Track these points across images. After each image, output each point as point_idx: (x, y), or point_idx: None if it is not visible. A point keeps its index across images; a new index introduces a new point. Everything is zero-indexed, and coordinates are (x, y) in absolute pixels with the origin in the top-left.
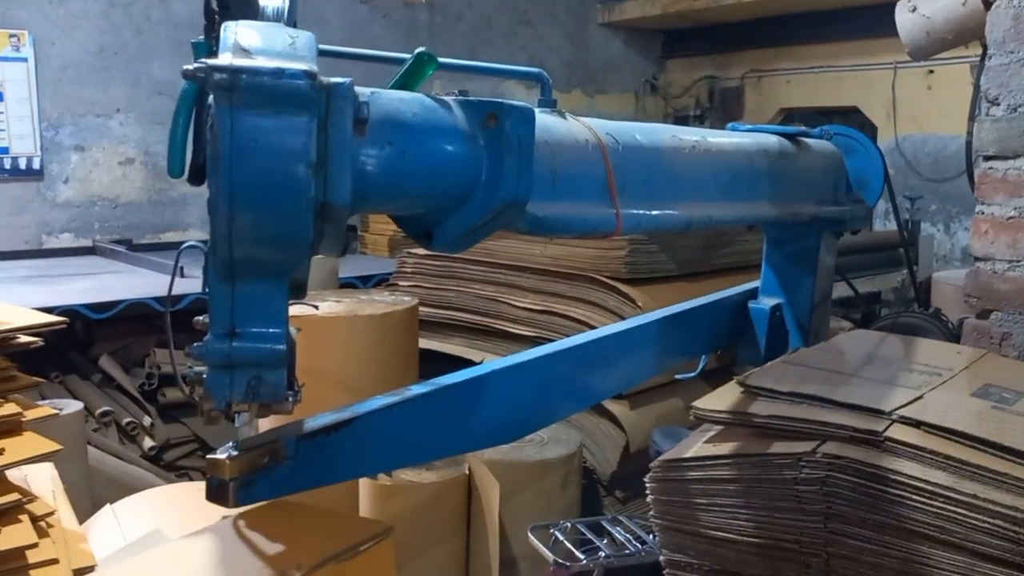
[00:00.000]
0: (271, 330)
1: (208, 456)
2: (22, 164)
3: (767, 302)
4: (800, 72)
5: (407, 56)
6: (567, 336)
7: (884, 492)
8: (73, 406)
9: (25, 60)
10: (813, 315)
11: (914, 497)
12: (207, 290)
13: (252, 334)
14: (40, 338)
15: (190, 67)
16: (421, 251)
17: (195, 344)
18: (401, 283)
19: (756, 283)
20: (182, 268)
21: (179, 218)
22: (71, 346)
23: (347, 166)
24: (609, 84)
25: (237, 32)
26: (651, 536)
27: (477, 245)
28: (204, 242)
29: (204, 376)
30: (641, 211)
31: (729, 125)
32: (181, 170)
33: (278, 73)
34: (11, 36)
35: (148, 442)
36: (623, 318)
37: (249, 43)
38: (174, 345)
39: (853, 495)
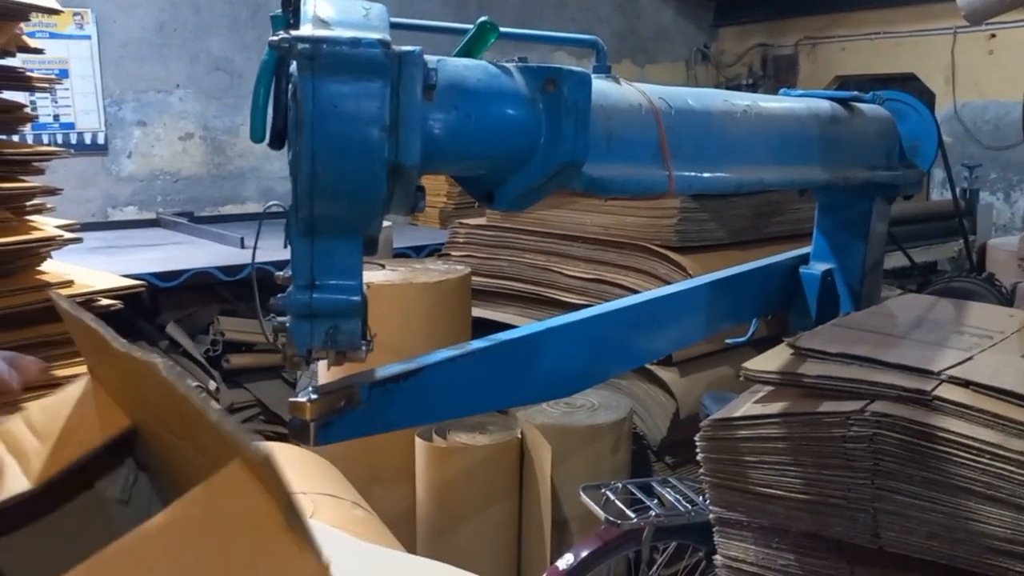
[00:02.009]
0: (347, 282)
1: (291, 399)
2: (87, 139)
3: (818, 267)
4: (856, 39)
5: (469, 27)
6: None
7: (932, 449)
8: None
9: (88, 38)
10: (865, 281)
11: (961, 454)
12: (288, 246)
13: (330, 286)
14: (120, 301)
15: (275, 38)
16: (473, 221)
17: (278, 295)
18: (454, 253)
19: (807, 249)
20: (243, 239)
21: (237, 192)
22: (139, 314)
23: (417, 129)
24: (659, 54)
25: (316, 5)
26: (701, 497)
27: (528, 215)
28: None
29: (287, 325)
30: (693, 173)
31: (781, 91)
32: (262, 135)
33: (355, 43)
34: (75, 15)
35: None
36: None
37: (327, 15)
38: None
39: (901, 452)
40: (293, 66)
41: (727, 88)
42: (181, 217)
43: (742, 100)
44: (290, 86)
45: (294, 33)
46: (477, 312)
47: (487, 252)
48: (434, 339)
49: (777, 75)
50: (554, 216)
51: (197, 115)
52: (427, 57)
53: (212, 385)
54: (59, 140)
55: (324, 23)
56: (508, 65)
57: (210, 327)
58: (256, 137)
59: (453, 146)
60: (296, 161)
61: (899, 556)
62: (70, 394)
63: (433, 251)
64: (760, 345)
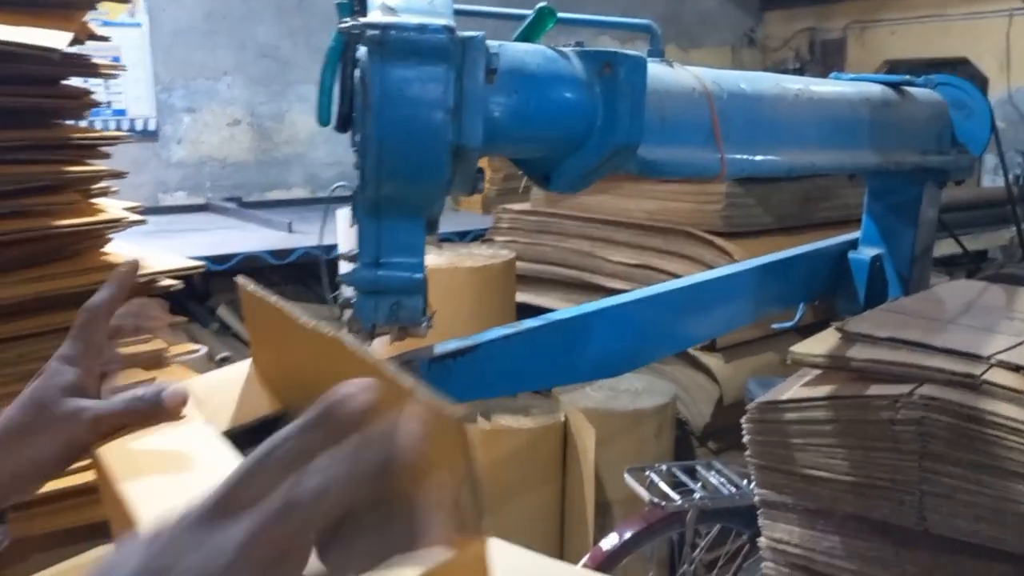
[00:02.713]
0: (411, 260)
1: None
2: (139, 125)
3: (867, 252)
4: (906, 22)
5: (526, 12)
6: None
7: (980, 432)
8: (200, 350)
9: (139, 26)
10: (914, 266)
11: (1011, 438)
12: (355, 225)
13: (394, 264)
14: (180, 281)
15: (345, 24)
16: (517, 207)
17: (344, 272)
18: (498, 238)
19: (856, 234)
20: (290, 224)
21: (283, 177)
22: (190, 296)
23: (479, 112)
24: (705, 38)
25: None
26: (744, 481)
27: (571, 200)
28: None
29: (353, 301)
30: (745, 156)
31: (832, 75)
32: (328, 118)
33: (421, 28)
34: (127, 3)
35: None
36: None
37: (394, 2)
38: (284, 296)
39: (949, 435)
40: (360, 51)
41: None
42: (229, 202)
43: (794, 84)
44: (356, 71)
45: (363, 20)
46: (521, 297)
47: (531, 237)
48: (479, 323)
49: (824, 60)
50: (598, 202)
51: (244, 102)
52: (489, 42)
53: None
54: (111, 126)
55: (391, 10)
56: (566, 50)
57: None
58: (323, 120)
59: (513, 128)
60: (363, 144)
61: (945, 539)
62: (231, 374)
63: (477, 236)
64: (806, 331)
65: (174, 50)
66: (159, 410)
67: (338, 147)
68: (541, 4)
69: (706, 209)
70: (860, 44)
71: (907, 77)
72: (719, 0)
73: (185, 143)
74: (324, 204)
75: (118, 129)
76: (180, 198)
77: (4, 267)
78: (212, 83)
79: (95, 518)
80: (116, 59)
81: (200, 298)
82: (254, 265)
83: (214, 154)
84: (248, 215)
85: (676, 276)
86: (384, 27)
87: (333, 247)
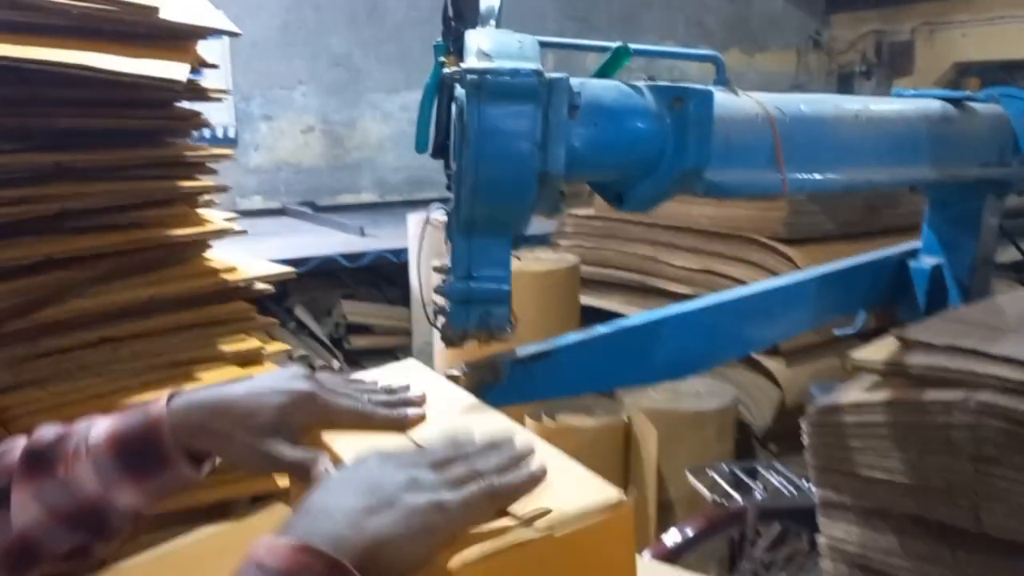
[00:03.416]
0: (499, 273)
1: (446, 372)
2: (220, 133)
3: (928, 262)
4: (978, 23)
5: (602, 44)
6: None
7: None
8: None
9: (220, 38)
10: (975, 276)
11: None
12: (449, 242)
13: (484, 276)
14: (272, 286)
15: (448, 71)
16: (581, 212)
17: (439, 284)
18: (562, 242)
19: (917, 243)
20: (362, 228)
21: (354, 182)
22: (268, 297)
23: (562, 143)
24: (770, 42)
25: (478, 40)
26: (804, 482)
27: None
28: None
29: (447, 310)
30: (805, 176)
31: (893, 91)
32: (426, 146)
33: (514, 73)
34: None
35: None
36: None
37: (489, 48)
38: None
39: (1003, 440)
40: (459, 91)
41: (839, 76)
42: (303, 206)
43: (853, 104)
44: (454, 107)
45: (463, 66)
46: (585, 300)
47: (595, 242)
48: (543, 326)
49: (892, 62)
50: (661, 207)
51: (317, 109)
52: (572, 80)
53: (335, 364)
54: (194, 135)
55: (486, 55)
56: (640, 84)
57: (332, 310)
58: (421, 148)
59: (592, 157)
60: (459, 172)
61: (1002, 540)
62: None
63: (542, 241)
64: (868, 336)
65: (253, 61)
66: (382, 419)
67: (405, 153)
68: (618, 44)
69: (769, 216)
70: (929, 46)
71: (968, 93)
72: (784, 3)
73: (262, 149)
74: (395, 208)
75: (200, 138)
76: (257, 202)
77: (121, 274)
78: (288, 92)
79: (200, 501)
80: (198, 72)
81: (278, 298)
82: (328, 267)
83: (289, 160)
84: (322, 219)
85: (739, 281)
86: (482, 72)
87: (404, 251)
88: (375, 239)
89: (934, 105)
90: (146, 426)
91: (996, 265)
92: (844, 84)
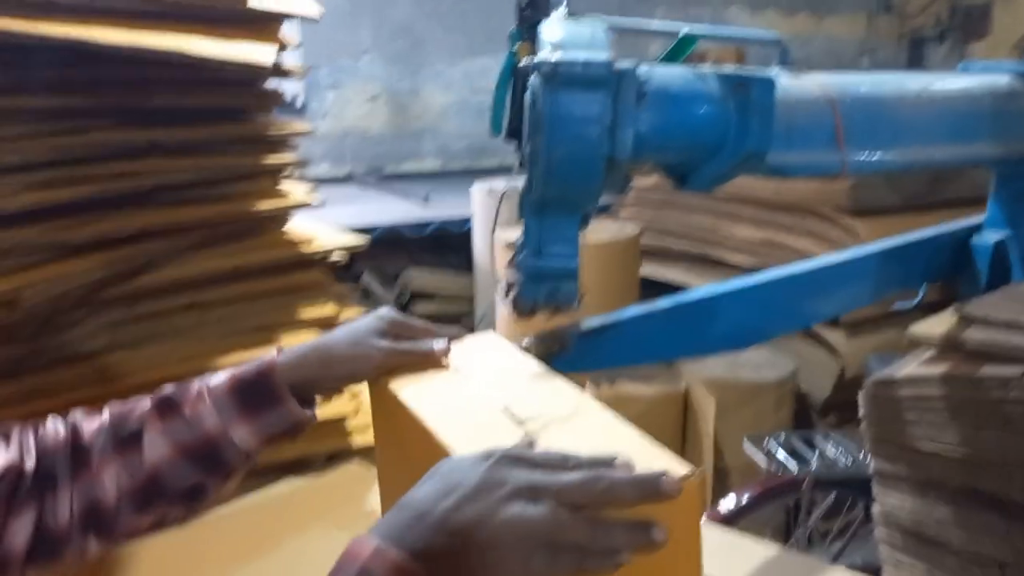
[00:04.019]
0: (568, 251)
1: (521, 344)
2: (289, 101)
3: (991, 237)
4: None
5: (670, 28)
6: None
7: None
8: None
9: None
10: None
11: None
12: (522, 220)
13: (554, 254)
14: (347, 256)
15: (524, 62)
16: (643, 182)
17: (511, 258)
18: (623, 212)
19: (980, 217)
20: (427, 196)
21: (416, 149)
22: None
23: (630, 128)
24: (838, 5)
25: (551, 31)
26: (861, 453)
27: None
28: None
29: (518, 284)
30: (864, 156)
31: (960, 66)
32: (500, 129)
33: (587, 64)
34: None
35: None
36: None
37: (561, 39)
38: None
39: None
40: (533, 80)
41: (911, 41)
42: (369, 174)
43: (915, 83)
44: (527, 93)
45: (538, 58)
46: (645, 270)
47: (656, 212)
48: (604, 296)
49: (965, 27)
50: None
51: (382, 78)
52: (640, 68)
53: None
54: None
55: (559, 46)
56: (705, 71)
57: (397, 278)
58: (495, 130)
59: (657, 141)
60: (532, 155)
61: None
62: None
63: (603, 210)
64: (930, 309)
65: (321, 31)
66: (432, 358)
67: (468, 121)
68: (684, 33)
69: (833, 188)
70: (1006, 10)
71: None
72: None
73: (329, 118)
74: (458, 177)
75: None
76: (324, 169)
77: (208, 244)
78: (353, 61)
79: (281, 457)
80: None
81: (346, 266)
82: (393, 235)
83: (355, 127)
84: (387, 187)
85: (800, 253)
86: (555, 63)
87: (467, 220)
88: (439, 207)
89: (1002, 80)
90: (260, 370)
91: None
92: (915, 49)
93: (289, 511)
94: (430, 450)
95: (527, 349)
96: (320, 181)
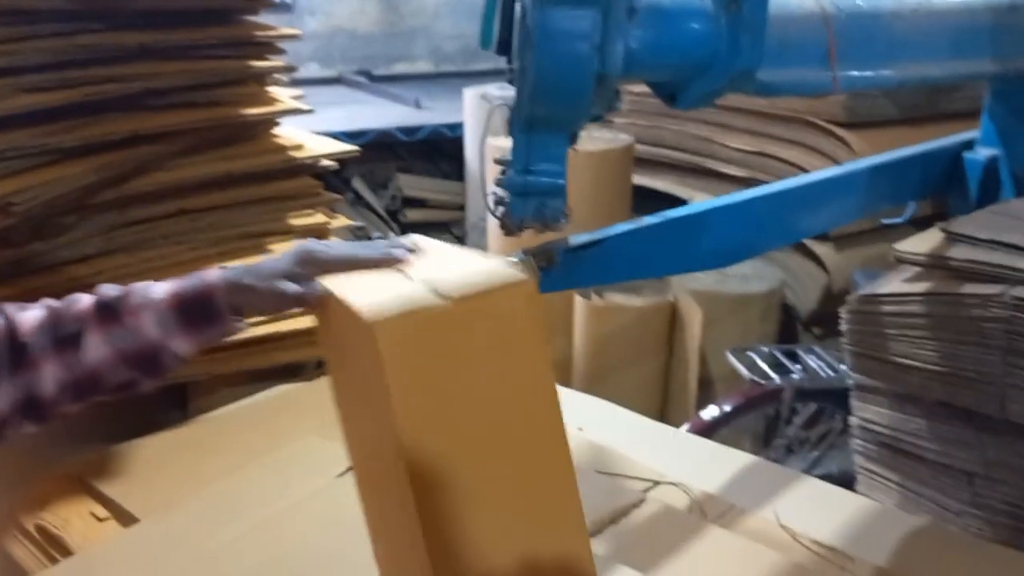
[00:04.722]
0: (555, 168)
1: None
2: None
3: (983, 153)
4: None
5: None
6: (778, 179)
7: None
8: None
9: None
10: None
11: None
12: (510, 137)
13: (541, 171)
14: (337, 162)
15: None
16: (637, 88)
17: (499, 176)
18: (616, 120)
19: (974, 133)
20: (418, 100)
21: (408, 50)
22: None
23: (620, 45)
24: None
25: None
26: (842, 365)
27: None
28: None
29: (506, 200)
30: (857, 73)
31: None
32: (490, 42)
33: None
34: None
35: None
36: (837, 163)
37: None
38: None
39: None
40: None
41: None
42: (359, 75)
43: None
44: (517, 6)
45: None
46: (637, 180)
47: (650, 120)
48: (596, 205)
49: None
50: None
51: None
52: None
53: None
54: None
55: None
56: None
57: (388, 183)
58: (485, 44)
59: (648, 58)
60: (521, 71)
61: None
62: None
63: (596, 118)
64: (920, 224)
65: None
66: (381, 261)
67: (462, 20)
68: None
69: (828, 100)
70: None
71: None
72: None
73: (318, 15)
74: (450, 79)
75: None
76: (313, 70)
77: (197, 149)
78: None
79: (275, 362)
80: None
81: (336, 170)
82: (384, 140)
83: (344, 25)
84: (377, 89)
85: (794, 165)
86: None
87: (459, 125)
88: (430, 112)
89: None
90: (202, 290)
91: None
92: None
93: (281, 415)
94: (348, 320)
95: (515, 265)
96: (308, 82)
